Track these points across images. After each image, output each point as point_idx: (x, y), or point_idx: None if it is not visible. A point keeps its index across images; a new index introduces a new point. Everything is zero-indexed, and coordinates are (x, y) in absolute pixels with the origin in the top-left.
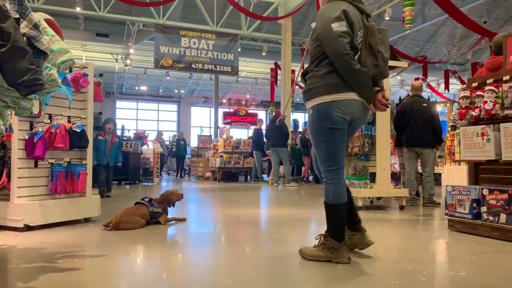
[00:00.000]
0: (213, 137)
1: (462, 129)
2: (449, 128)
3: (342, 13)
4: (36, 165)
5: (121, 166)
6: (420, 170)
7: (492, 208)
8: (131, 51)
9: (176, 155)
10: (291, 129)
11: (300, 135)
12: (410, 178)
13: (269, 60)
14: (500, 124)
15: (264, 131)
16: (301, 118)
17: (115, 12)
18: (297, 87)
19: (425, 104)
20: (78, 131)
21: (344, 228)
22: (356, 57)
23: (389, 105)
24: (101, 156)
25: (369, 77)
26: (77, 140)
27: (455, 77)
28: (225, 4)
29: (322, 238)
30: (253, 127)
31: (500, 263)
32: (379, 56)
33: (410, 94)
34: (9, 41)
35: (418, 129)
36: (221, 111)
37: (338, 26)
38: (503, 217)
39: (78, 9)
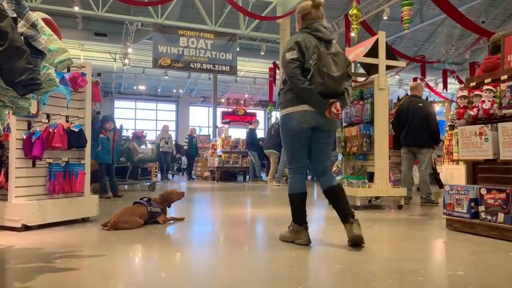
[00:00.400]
0: (211, 137)
1: (460, 128)
2: (447, 128)
3: (295, 44)
4: (34, 165)
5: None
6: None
7: (490, 207)
8: (130, 50)
9: (188, 154)
10: None
11: None
12: (407, 178)
13: (267, 60)
14: (498, 123)
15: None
16: None
17: (113, 12)
18: None
19: (421, 104)
20: (76, 130)
21: (303, 214)
22: (309, 77)
23: (339, 116)
24: (104, 155)
25: (314, 92)
26: (75, 139)
27: (453, 76)
28: (224, 4)
29: (290, 223)
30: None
31: (498, 262)
32: (325, 75)
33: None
34: (6, 40)
35: (414, 129)
36: (219, 110)
37: (290, 55)
38: (501, 216)
39: (76, 9)
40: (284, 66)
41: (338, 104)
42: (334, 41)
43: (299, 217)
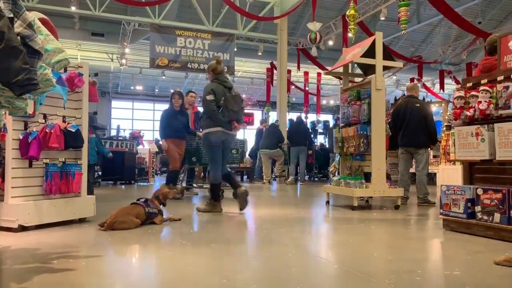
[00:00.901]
0: None
1: (457, 129)
2: (444, 128)
3: (211, 90)
4: (30, 165)
5: (116, 165)
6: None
7: (487, 207)
8: (127, 50)
9: None
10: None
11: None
12: (404, 178)
13: (265, 60)
14: (494, 124)
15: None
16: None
17: (111, 12)
18: (293, 86)
19: (418, 105)
20: (73, 131)
21: (218, 194)
22: (220, 110)
23: (239, 129)
24: None
25: (222, 119)
26: (72, 140)
27: (450, 77)
28: (221, 4)
29: (208, 200)
30: (249, 126)
31: None
32: (230, 110)
33: (405, 94)
34: (3, 40)
35: (412, 130)
36: None
37: (209, 97)
38: (497, 216)
39: (73, 9)
40: (206, 104)
41: (235, 123)
42: (233, 87)
43: (215, 196)
